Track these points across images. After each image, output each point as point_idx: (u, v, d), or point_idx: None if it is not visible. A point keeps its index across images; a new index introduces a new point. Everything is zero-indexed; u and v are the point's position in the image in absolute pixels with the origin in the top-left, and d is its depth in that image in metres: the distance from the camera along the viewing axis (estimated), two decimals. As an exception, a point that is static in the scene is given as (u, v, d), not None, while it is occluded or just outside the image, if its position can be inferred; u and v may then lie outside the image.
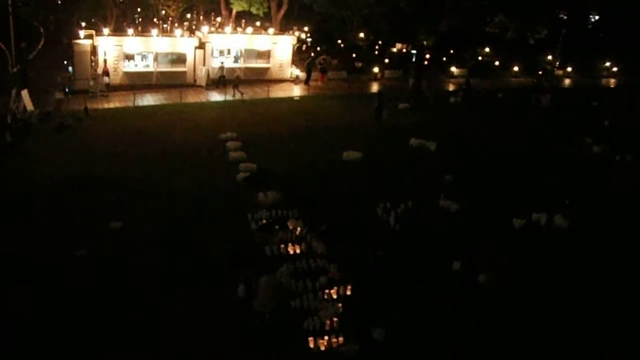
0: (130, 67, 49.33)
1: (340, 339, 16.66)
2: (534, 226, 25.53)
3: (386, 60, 61.90)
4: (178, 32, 54.49)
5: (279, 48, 53.89)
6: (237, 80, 47.85)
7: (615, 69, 70.69)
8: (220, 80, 49.69)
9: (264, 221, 23.47)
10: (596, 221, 26.51)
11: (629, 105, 51.68)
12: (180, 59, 50.38)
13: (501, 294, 19.74)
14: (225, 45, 52.59)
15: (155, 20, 75.80)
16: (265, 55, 53.84)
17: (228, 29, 57.07)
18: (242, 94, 45.93)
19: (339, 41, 70.74)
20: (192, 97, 45.53)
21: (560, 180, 31.49)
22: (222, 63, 51.17)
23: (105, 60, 47.66)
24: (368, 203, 26.04)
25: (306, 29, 75.83)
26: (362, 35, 69.35)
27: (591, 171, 33.70)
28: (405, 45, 70.31)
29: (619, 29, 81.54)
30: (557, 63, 69.35)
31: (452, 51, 68.30)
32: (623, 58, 71.77)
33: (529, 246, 23.65)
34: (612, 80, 68.50)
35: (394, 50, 70.83)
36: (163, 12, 72.17)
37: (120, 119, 39.56)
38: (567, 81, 65.16)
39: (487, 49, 69.63)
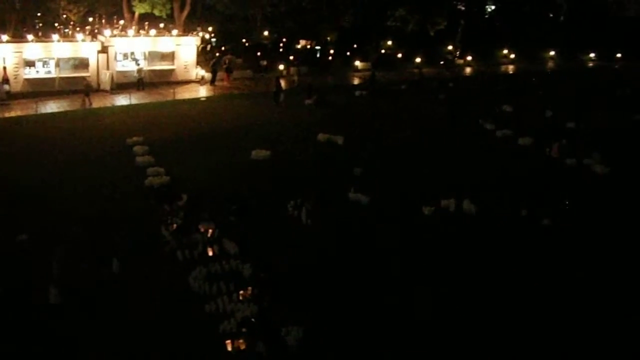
0: (31, 73, 47.71)
1: (255, 340, 16.69)
2: (443, 212, 26.33)
3: (291, 57, 62.10)
4: (80, 36, 53.13)
5: (183, 49, 53.29)
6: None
7: (512, 56, 73.19)
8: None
9: (175, 226, 23.25)
10: (500, 206, 27.47)
11: (528, 90, 53.76)
12: (82, 63, 49.13)
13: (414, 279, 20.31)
14: (128, 49, 51.62)
15: (56, 25, 73.53)
16: (170, 57, 53.13)
17: (131, 31, 56.04)
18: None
19: (244, 40, 70.48)
20: (96, 102, 44.46)
21: (466, 166, 32.55)
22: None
23: (4, 68, 45.95)
24: (278, 201, 26.16)
25: (210, 29, 75.20)
26: (266, 33, 69.35)
27: (494, 156, 34.97)
28: (309, 42, 70.76)
29: (512, 18, 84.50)
30: (458, 53, 71.24)
31: (355, 46, 69.11)
32: (518, 45, 74.39)
33: (439, 232, 24.41)
34: (511, 67, 70.89)
35: (299, 47, 71.18)
36: (64, 16, 70.12)
37: (22, 128, 38.24)
38: (468, 70, 66.97)
39: (389, 42, 70.80)
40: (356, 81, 56.76)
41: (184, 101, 46.53)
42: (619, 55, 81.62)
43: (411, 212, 26.19)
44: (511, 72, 67.86)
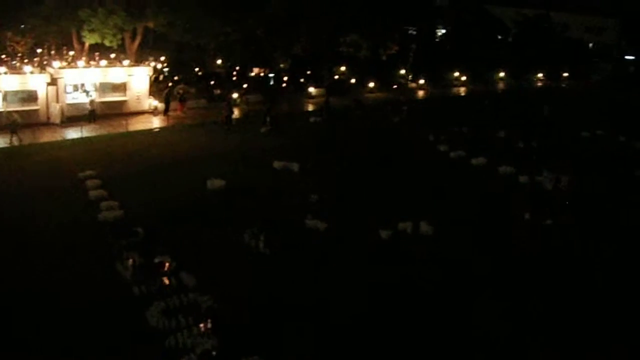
0: (-24, 107, 46.68)
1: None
2: (401, 235, 26.45)
3: (245, 86, 61.97)
4: (28, 68, 52.16)
5: (135, 80, 52.68)
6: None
7: (463, 78, 74.24)
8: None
9: (131, 261, 22.78)
10: (457, 225, 27.81)
11: (480, 112, 54.58)
12: (31, 96, 48.20)
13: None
14: (79, 80, 50.84)
15: (3, 57, 72.31)
16: (121, 87, 52.44)
17: (81, 62, 55.24)
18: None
19: (197, 69, 70.15)
20: (46, 136, 43.65)
21: (422, 188, 32.85)
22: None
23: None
24: (234, 230, 25.91)
25: (162, 58, 74.70)
26: (219, 62, 69.12)
27: (449, 177, 35.38)
28: (263, 69, 70.73)
29: (463, 41, 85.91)
30: (410, 76, 71.99)
31: (309, 72, 69.31)
32: (469, 67, 75.55)
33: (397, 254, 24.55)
34: (462, 89, 71.83)
35: (252, 74, 71.13)
36: (11, 48, 69.00)
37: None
38: (420, 93, 67.64)
39: (342, 68, 71.23)
40: (310, 107, 56.84)
41: (137, 132, 45.94)
42: (565, 74, 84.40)
43: (369, 236, 26.26)
44: (463, 94, 68.74)
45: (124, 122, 47.32)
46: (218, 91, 59.22)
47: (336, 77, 68.70)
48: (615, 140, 48.11)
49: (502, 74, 79.91)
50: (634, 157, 43.23)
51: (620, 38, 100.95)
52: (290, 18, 63.60)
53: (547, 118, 54.00)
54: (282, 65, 69.46)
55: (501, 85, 77.16)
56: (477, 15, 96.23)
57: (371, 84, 64.84)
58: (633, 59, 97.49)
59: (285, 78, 66.58)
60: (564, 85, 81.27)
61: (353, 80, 67.41)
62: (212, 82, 63.48)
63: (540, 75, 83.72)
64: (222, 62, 69.22)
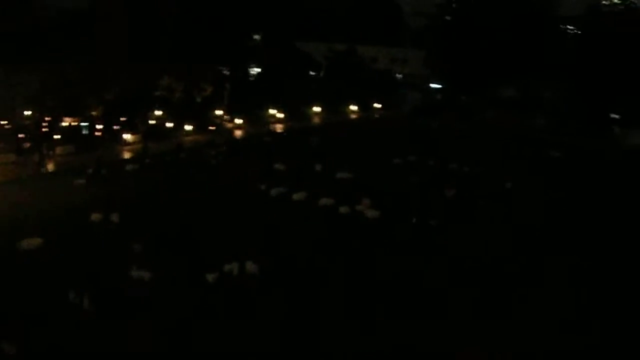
0: None
1: None
2: (226, 277, 26.64)
3: (56, 137, 59.49)
4: None
5: None
6: None
7: (280, 115, 75.90)
8: None
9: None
10: (283, 262, 28.56)
11: (298, 147, 56.36)
12: None
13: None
14: None
15: None
16: None
17: None
18: None
19: (4, 122, 66.58)
20: None
21: (245, 227, 33.31)
22: None
23: None
24: (58, 289, 24.90)
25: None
26: (28, 113, 66.18)
27: (271, 214, 36.16)
28: (75, 119, 68.36)
29: (276, 78, 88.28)
30: (227, 117, 72.60)
31: (123, 118, 67.84)
32: (284, 104, 77.57)
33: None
34: (279, 126, 73.25)
35: (64, 124, 68.51)
36: None
37: None
38: (238, 132, 68.17)
39: (158, 112, 70.43)
40: (127, 155, 55.57)
41: None
42: (376, 105, 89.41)
43: (195, 281, 26.25)
44: (280, 131, 70.25)
45: None
46: (27, 144, 56.45)
47: (152, 121, 67.78)
48: (426, 164, 51.63)
49: (316, 109, 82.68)
50: (444, 178, 46.68)
51: (424, 68, 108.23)
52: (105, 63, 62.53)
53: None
54: (94, 113, 67.78)
55: (317, 119, 79.70)
56: (289, 52, 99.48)
57: (188, 127, 64.75)
58: (439, 88, 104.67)
59: (99, 126, 64.78)
60: (377, 116, 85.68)
61: (170, 124, 66.76)
62: (20, 135, 60.46)
63: (353, 107, 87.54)
64: (32, 114, 66.44)
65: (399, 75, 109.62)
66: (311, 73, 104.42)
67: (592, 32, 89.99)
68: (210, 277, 26.31)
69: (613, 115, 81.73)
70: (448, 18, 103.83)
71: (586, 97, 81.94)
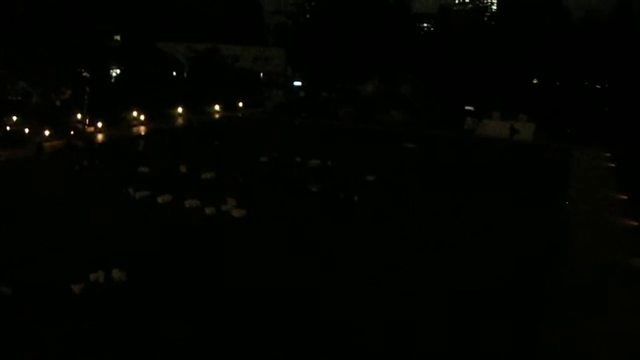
0: None
1: None
2: (94, 286, 26.37)
3: None
4: None
5: None
6: None
7: (142, 117, 74.83)
8: None
9: None
10: (151, 268, 28.73)
11: (162, 149, 56.04)
12: None
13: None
14: None
15: None
16: None
17: None
18: None
19: None
20: None
21: (109, 234, 33.01)
22: None
23: None
24: None
25: None
26: None
27: (136, 218, 36.08)
28: None
29: (137, 80, 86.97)
30: (87, 120, 70.71)
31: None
32: (146, 106, 76.58)
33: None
34: (142, 128, 72.23)
35: None
36: None
37: None
38: (100, 136, 66.59)
39: (14, 118, 67.66)
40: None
41: None
42: (240, 104, 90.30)
43: (60, 293, 25.68)
44: (143, 133, 69.34)
45: None
46: None
47: (8, 128, 65.04)
48: (292, 161, 53.26)
49: (180, 110, 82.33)
50: (307, 174, 48.61)
51: (286, 66, 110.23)
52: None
53: (217, 148, 57.91)
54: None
55: (180, 120, 79.29)
56: (150, 52, 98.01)
57: (47, 132, 62.73)
58: (301, 85, 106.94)
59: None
60: (240, 115, 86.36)
61: (27, 130, 64.28)
62: None
63: (217, 107, 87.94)
64: None
65: (262, 74, 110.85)
66: (174, 73, 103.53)
67: (443, 29, 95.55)
68: (76, 288, 25.71)
69: (468, 107, 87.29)
70: (307, 16, 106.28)
71: (440, 91, 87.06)
